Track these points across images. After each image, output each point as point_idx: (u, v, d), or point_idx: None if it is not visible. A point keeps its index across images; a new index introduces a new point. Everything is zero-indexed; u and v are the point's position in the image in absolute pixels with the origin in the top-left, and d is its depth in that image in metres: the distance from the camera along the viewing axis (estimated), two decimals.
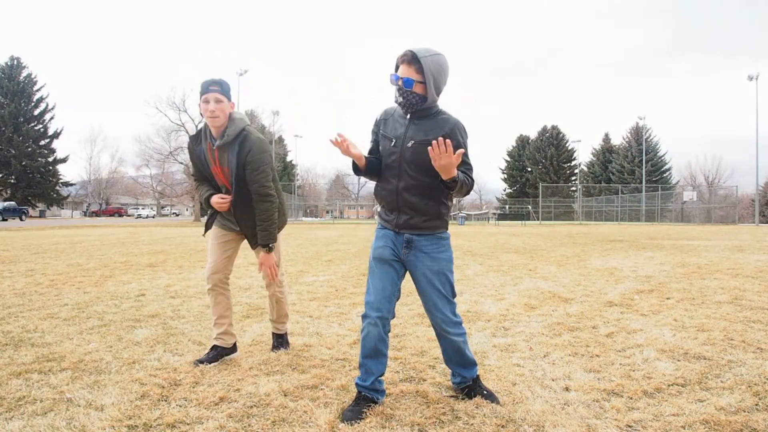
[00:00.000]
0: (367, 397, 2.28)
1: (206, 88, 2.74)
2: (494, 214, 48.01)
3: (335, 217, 64.04)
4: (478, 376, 2.46)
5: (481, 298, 5.02)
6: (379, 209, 2.42)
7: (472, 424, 2.11)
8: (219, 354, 2.92)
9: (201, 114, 2.77)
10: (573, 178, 65.12)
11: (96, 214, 63.33)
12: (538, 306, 4.59)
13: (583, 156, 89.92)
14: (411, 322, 3.91)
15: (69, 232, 18.54)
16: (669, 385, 2.54)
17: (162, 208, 71.55)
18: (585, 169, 65.72)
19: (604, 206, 51.80)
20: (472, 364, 2.44)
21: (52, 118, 51.21)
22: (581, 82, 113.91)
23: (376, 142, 2.44)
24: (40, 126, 50.10)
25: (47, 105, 50.79)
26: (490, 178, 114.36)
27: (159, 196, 62.35)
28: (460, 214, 39.74)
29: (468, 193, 2.26)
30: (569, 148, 66.15)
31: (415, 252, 2.31)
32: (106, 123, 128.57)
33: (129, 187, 71.08)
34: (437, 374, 2.73)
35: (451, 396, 2.42)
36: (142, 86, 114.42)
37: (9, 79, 48.13)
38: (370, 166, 2.36)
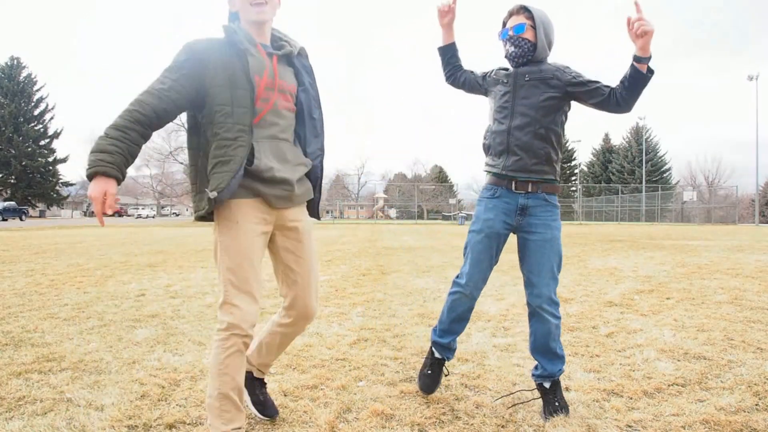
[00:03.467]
0: (439, 359, 2.39)
1: None
2: None
3: (335, 217, 64.03)
4: (559, 380, 2.25)
5: (481, 298, 5.01)
6: (487, 165, 2.28)
7: (472, 424, 2.11)
8: None
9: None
10: (573, 178, 65.13)
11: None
12: None
13: (583, 156, 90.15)
14: (411, 322, 3.91)
15: (69, 232, 18.53)
16: (669, 385, 2.54)
17: (162, 208, 71.53)
18: (585, 169, 65.73)
19: (604, 206, 51.81)
20: (558, 358, 2.22)
21: (52, 118, 51.22)
22: None
23: (476, 74, 2.43)
24: (40, 126, 50.10)
25: (47, 105, 50.82)
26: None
27: (159, 196, 62.37)
28: (460, 214, 39.72)
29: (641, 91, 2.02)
30: (569, 148, 66.13)
31: (528, 219, 2.20)
32: (106, 123, 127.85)
33: (129, 187, 71.03)
34: None
35: (451, 396, 2.42)
36: (142, 86, 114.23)
37: (9, 79, 48.14)
38: (452, 50, 2.46)
